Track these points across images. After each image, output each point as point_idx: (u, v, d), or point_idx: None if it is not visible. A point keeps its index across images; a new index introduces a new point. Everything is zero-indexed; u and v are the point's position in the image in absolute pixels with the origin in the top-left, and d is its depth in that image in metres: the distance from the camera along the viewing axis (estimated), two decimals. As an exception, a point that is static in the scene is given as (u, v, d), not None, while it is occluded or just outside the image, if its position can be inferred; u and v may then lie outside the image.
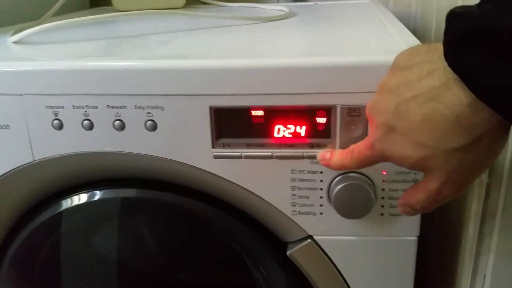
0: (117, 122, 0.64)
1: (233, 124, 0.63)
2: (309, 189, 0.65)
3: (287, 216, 0.68)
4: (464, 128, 0.43)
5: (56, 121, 0.65)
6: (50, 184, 0.73)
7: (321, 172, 0.64)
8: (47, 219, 0.74)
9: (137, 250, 0.77)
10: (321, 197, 0.66)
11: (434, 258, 1.01)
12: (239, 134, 0.64)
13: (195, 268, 0.78)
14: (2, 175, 0.70)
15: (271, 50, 0.72)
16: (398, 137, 0.48)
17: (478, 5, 0.40)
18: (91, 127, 0.65)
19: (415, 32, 0.74)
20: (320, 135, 0.63)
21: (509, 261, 0.67)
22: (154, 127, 0.64)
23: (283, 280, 0.75)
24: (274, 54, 0.66)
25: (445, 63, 0.42)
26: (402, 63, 0.49)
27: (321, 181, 0.65)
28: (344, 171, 0.63)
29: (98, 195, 0.73)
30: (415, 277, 0.71)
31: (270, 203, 0.67)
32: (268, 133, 0.63)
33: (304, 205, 0.66)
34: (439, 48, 0.43)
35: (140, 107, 0.63)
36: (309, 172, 0.65)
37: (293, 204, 0.67)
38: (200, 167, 0.66)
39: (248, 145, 0.64)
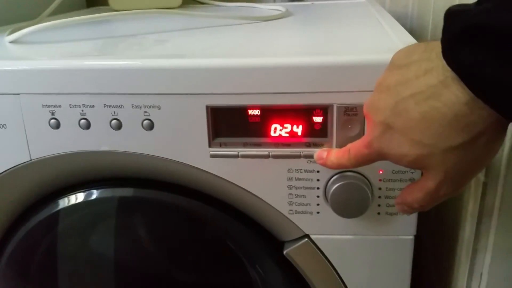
0: (114, 121, 0.64)
1: (230, 123, 0.63)
2: (305, 188, 0.65)
3: (283, 215, 0.68)
4: (462, 126, 0.43)
5: (53, 120, 0.65)
6: (47, 183, 0.73)
7: (318, 171, 0.64)
8: (44, 219, 0.74)
9: (134, 250, 0.77)
10: (317, 196, 0.66)
11: (430, 257, 1.01)
12: (236, 133, 0.64)
13: (192, 268, 0.78)
14: (-2, 174, 0.70)
15: (268, 50, 0.72)
16: (396, 135, 0.48)
17: (477, 3, 0.40)
18: (88, 126, 0.65)
19: (412, 32, 0.74)
20: (316, 134, 0.63)
21: (506, 260, 0.67)
22: (151, 126, 0.64)
23: (280, 279, 0.75)
24: (270, 54, 0.66)
25: (443, 61, 0.42)
26: (400, 61, 0.49)
27: (318, 180, 0.65)
28: (341, 170, 0.63)
29: (95, 194, 0.73)
30: (412, 276, 0.71)
31: (266, 202, 0.67)
32: (264, 132, 0.63)
33: (300, 204, 0.67)
34: (437, 46, 0.43)
35: (137, 106, 0.63)
36: (305, 171, 0.65)
37: (290, 203, 0.67)
38: (197, 166, 0.66)
39: (245, 144, 0.64)
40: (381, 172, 0.63)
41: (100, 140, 0.66)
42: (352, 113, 0.60)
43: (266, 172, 0.65)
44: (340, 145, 0.61)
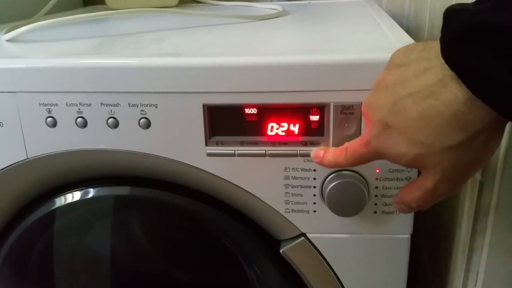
0: (110, 120, 0.64)
1: (227, 122, 0.63)
2: (302, 187, 0.65)
3: (280, 214, 0.68)
4: (460, 125, 0.43)
5: (49, 119, 0.65)
6: (43, 181, 0.73)
7: (315, 170, 0.64)
8: (41, 217, 0.74)
9: (131, 248, 0.77)
10: (314, 195, 0.66)
11: (427, 255, 1.01)
12: (233, 132, 0.64)
13: (188, 267, 0.78)
14: (-5, 173, 0.70)
15: (265, 48, 0.72)
16: (394, 134, 0.48)
17: (476, 2, 0.40)
18: (84, 124, 0.65)
19: (408, 31, 0.74)
20: (313, 133, 0.63)
21: (502, 259, 0.67)
22: (147, 125, 0.64)
23: (276, 278, 0.75)
24: (267, 52, 0.66)
25: (442, 60, 0.42)
26: (398, 60, 0.49)
27: (314, 179, 0.65)
28: (338, 169, 0.63)
29: (91, 193, 0.73)
30: (408, 275, 0.71)
31: (263, 201, 0.67)
32: (261, 131, 0.63)
33: (297, 203, 0.67)
34: (435, 45, 0.43)
35: (133, 105, 0.63)
36: (302, 170, 0.65)
37: (287, 202, 0.67)
38: (193, 165, 0.66)
39: (242, 143, 0.64)
40: (377, 171, 0.63)
41: (97, 139, 0.66)
42: (348, 112, 0.60)
43: (263, 170, 0.65)
44: (337, 144, 0.61)
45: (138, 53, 0.69)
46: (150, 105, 0.63)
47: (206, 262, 0.77)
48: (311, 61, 0.59)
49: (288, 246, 0.70)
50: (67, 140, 0.66)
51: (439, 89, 0.43)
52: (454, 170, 0.47)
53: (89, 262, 0.79)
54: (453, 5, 0.42)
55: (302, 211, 0.67)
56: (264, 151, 0.64)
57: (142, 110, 0.63)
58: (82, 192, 0.73)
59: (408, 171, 0.63)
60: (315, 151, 0.61)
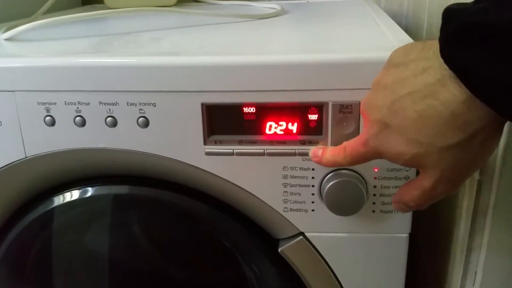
0: (109, 119, 0.64)
1: (225, 121, 0.63)
2: (300, 186, 0.66)
3: (278, 213, 0.68)
4: (458, 125, 0.43)
5: (48, 118, 0.65)
6: (42, 180, 0.73)
7: (313, 169, 0.64)
8: (39, 216, 0.74)
9: (129, 247, 0.77)
10: (312, 194, 0.66)
11: (425, 255, 1.01)
12: (231, 131, 0.64)
13: (187, 266, 0.78)
14: (-6, 172, 0.70)
15: (263, 47, 0.72)
16: (392, 133, 0.48)
17: (475, 2, 0.40)
18: (83, 123, 0.65)
19: (407, 30, 0.74)
20: (312, 132, 0.63)
21: (500, 258, 0.67)
22: (146, 124, 0.64)
23: (275, 277, 0.75)
24: (266, 51, 0.67)
25: (441, 60, 0.42)
26: (397, 59, 0.49)
27: (313, 178, 0.65)
28: (336, 168, 0.63)
29: (90, 191, 0.72)
30: (406, 274, 0.71)
31: (261, 200, 0.67)
32: (260, 130, 0.63)
33: (295, 202, 0.67)
34: (434, 45, 0.43)
35: (132, 104, 0.63)
36: (301, 169, 0.65)
37: (285, 201, 0.67)
38: (192, 164, 0.66)
39: (240, 142, 0.64)
40: (376, 170, 0.63)
41: (95, 138, 0.66)
42: (347, 111, 0.60)
43: (261, 169, 0.65)
44: (335, 143, 0.61)
45: (136, 52, 0.69)
46: (149, 104, 0.63)
47: (204, 261, 0.77)
48: (309, 60, 0.59)
49: (286, 245, 0.70)
50: (65, 139, 0.66)
51: (437, 89, 0.43)
52: (452, 170, 0.47)
53: (87, 261, 0.79)
54: (452, 4, 0.42)
55: (300, 210, 0.67)
56: (262, 150, 0.64)
57: (140, 109, 0.63)
58: (80, 191, 0.72)
59: (407, 171, 0.63)
60: (314, 150, 0.61)
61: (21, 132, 0.66)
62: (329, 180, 0.63)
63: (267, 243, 0.73)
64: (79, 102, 0.64)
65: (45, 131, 0.66)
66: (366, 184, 0.64)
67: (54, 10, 1.08)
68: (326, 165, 0.60)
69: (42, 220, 0.74)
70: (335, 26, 0.88)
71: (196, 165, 0.66)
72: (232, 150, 0.64)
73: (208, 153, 0.65)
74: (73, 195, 0.73)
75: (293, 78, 0.59)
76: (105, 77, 0.62)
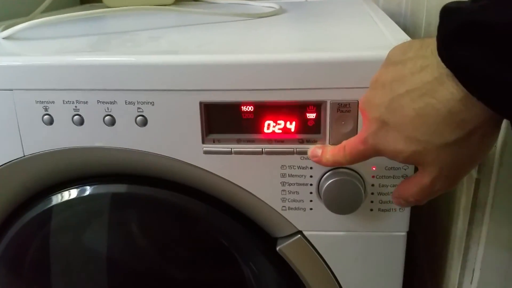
0: (107, 117, 0.64)
1: (223, 119, 0.63)
2: (299, 184, 0.66)
3: (277, 211, 0.68)
4: (456, 122, 0.43)
5: (46, 116, 0.65)
6: (40, 179, 0.73)
7: (311, 168, 0.64)
8: (37, 215, 0.74)
9: (127, 246, 0.77)
10: (311, 193, 0.66)
11: (423, 253, 1.01)
12: (229, 130, 0.64)
13: (185, 265, 0.78)
14: (-8, 170, 0.70)
15: (262, 46, 0.72)
16: (391, 131, 0.48)
17: (472, 0, 0.40)
18: (81, 122, 0.65)
19: (405, 29, 0.74)
20: (310, 130, 0.63)
21: (498, 256, 0.67)
22: (144, 123, 0.64)
23: (273, 275, 0.75)
24: (264, 50, 0.67)
25: (438, 58, 0.42)
26: (395, 58, 0.49)
27: (311, 176, 0.65)
28: (334, 166, 0.63)
29: (88, 190, 0.73)
30: (404, 272, 0.71)
31: (260, 199, 0.67)
32: (258, 128, 0.63)
33: (294, 200, 0.67)
34: (432, 43, 0.43)
35: (130, 102, 0.63)
36: (299, 167, 0.65)
37: (283, 200, 0.67)
38: (190, 163, 0.66)
39: (238, 141, 0.64)
40: (374, 168, 0.64)
41: (94, 136, 0.66)
42: (345, 110, 0.60)
43: (259, 168, 0.65)
44: (333, 142, 0.61)
45: (134, 50, 0.69)
46: (147, 103, 0.63)
47: (202, 260, 0.77)
48: (308, 59, 0.59)
49: (284, 244, 0.70)
50: (63, 137, 0.66)
51: (435, 87, 0.43)
52: (450, 167, 0.47)
53: (85, 260, 0.79)
54: (450, 3, 0.42)
55: (298, 208, 0.67)
56: (260, 149, 0.64)
57: (138, 108, 0.63)
58: (78, 189, 0.72)
59: (405, 169, 0.63)
60: (313, 150, 0.61)
61: (19, 130, 0.66)
62: (327, 179, 0.63)
63: (266, 242, 0.73)
64: (77, 101, 0.64)
65: (43, 129, 0.66)
66: (364, 182, 0.64)
67: (52, 8, 1.08)
68: (326, 164, 0.60)
69: (40, 219, 0.74)
70: (334, 25, 0.88)
71: (194, 164, 0.66)
72: (230, 149, 0.64)
73: (206, 152, 0.65)
74: (71, 193, 0.73)
75: (291, 77, 0.59)
76: (103, 75, 0.62)
